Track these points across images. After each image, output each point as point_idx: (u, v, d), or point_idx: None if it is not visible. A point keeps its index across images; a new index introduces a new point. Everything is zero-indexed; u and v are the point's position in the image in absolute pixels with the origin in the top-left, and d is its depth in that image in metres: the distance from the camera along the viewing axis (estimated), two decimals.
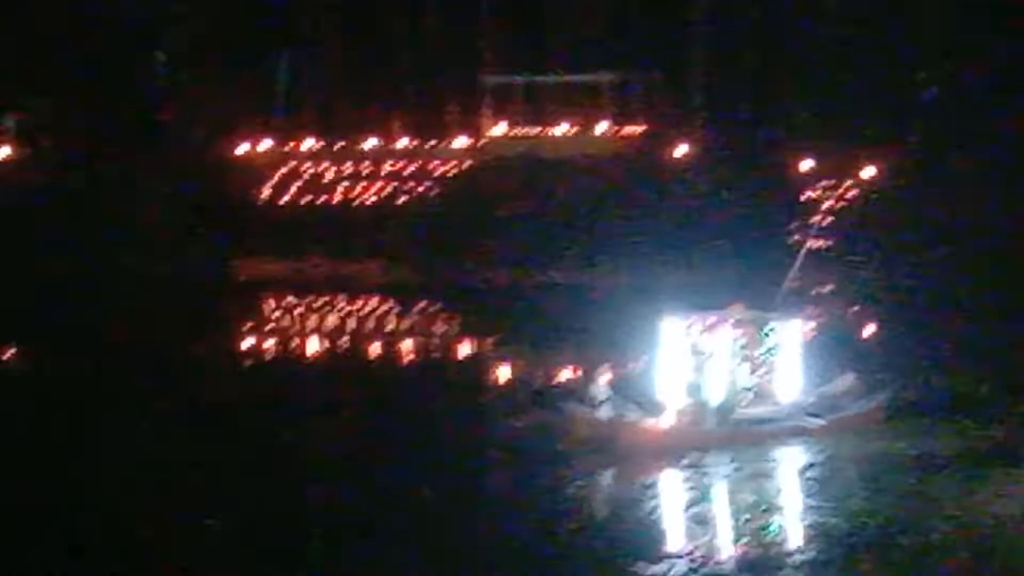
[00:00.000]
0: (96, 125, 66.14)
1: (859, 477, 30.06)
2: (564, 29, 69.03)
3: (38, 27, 66.70)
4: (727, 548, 25.76)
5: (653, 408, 32.05)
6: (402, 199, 66.77)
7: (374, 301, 58.56)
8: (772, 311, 33.42)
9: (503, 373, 42.81)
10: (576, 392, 32.84)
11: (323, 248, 64.86)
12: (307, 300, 58.83)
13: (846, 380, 34.24)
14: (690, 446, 31.30)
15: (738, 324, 32.62)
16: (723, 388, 32.17)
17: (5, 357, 47.73)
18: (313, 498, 28.99)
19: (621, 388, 32.53)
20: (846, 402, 33.58)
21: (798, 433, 32.28)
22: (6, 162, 67.04)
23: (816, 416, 32.49)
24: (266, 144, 68.44)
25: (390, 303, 58.10)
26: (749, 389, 32.64)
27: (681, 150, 64.80)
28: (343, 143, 68.56)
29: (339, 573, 24.80)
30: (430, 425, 35.00)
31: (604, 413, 31.59)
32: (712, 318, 32.58)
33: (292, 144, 68.63)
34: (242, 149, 68.28)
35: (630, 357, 35.43)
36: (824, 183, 63.15)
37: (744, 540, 26.21)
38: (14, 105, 67.41)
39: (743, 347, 32.64)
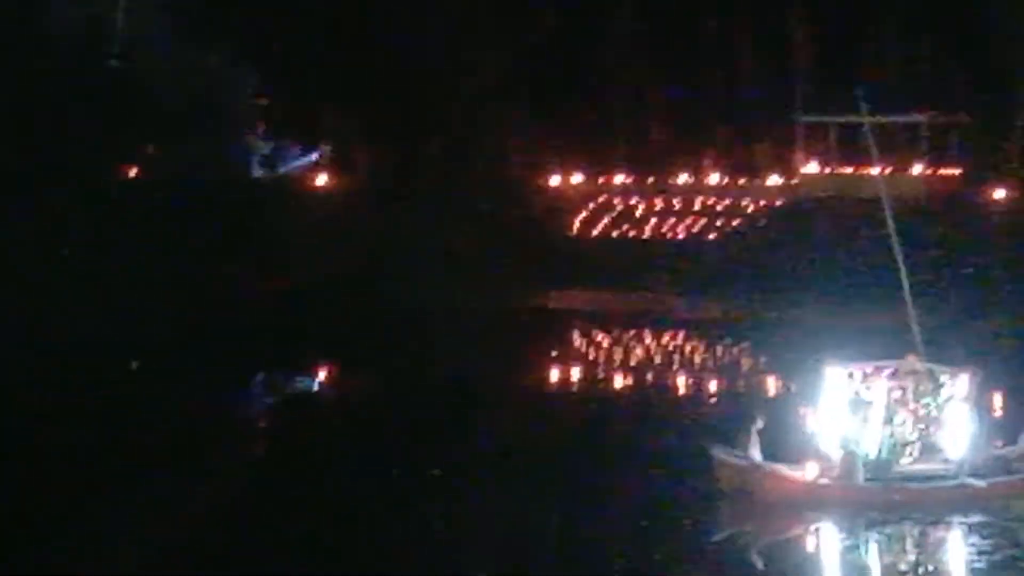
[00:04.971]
0: (408, 156, 68.17)
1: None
2: (879, 69, 67.65)
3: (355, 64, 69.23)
4: None
5: (805, 458, 31.23)
6: (711, 235, 66.59)
7: (658, 335, 58.76)
8: (948, 364, 32.04)
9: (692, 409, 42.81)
10: (729, 436, 32.19)
11: (630, 282, 65.08)
12: (608, 333, 59.40)
13: None
14: (837, 499, 30.41)
15: (901, 375, 31.44)
16: (880, 442, 31.07)
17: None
18: None
19: (775, 436, 31.81)
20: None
21: (960, 494, 30.82)
22: (323, 189, 69.65)
23: (981, 477, 30.95)
24: (577, 177, 69.27)
25: (674, 337, 58.26)
26: (910, 444, 31.40)
27: (999, 194, 62.68)
28: (654, 178, 68.89)
29: None
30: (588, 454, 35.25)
31: (753, 461, 30.97)
32: (872, 367, 31.51)
33: (603, 178, 69.27)
34: (554, 181, 69.28)
35: (790, 404, 34.65)
36: None
37: None
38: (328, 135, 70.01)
39: (908, 399, 31.43)
